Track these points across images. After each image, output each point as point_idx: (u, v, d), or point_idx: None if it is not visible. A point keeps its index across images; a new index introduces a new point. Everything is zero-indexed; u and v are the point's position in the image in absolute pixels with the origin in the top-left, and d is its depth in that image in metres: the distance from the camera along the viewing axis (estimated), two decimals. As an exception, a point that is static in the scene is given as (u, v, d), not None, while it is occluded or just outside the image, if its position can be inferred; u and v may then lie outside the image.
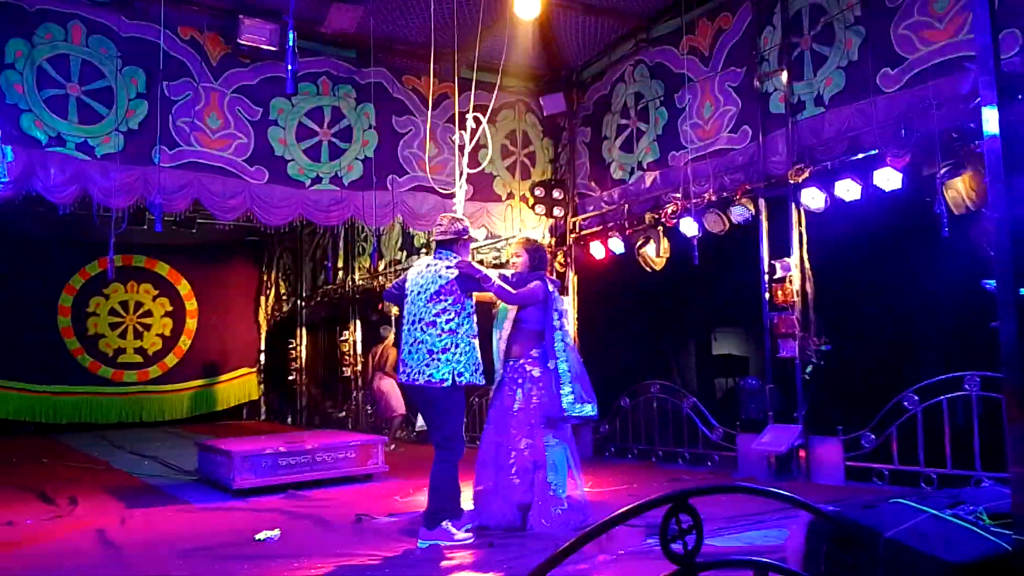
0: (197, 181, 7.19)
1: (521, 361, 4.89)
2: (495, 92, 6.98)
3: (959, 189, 5.49)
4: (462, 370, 4.62)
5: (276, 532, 4.91)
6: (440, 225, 4.90)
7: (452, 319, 4.65)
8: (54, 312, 13.94)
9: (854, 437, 6.17)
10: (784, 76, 6.85)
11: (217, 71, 7.38)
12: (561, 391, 4.75)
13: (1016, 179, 2.51)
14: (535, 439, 4.81)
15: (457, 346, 4.64)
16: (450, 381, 4.59)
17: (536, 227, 9.19)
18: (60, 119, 6.59)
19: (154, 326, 14.87)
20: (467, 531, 4.63)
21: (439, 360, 4.59)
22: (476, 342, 4.78)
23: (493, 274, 4.81)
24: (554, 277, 5.40)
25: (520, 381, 4.87)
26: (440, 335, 4.62)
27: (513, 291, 4.82)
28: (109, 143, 6.80)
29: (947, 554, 2.39)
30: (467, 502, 5.00)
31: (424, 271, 4.82)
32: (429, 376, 4.59)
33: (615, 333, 9.17)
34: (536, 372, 4.85)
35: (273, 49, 7.16)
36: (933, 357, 6.41)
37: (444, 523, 4.59)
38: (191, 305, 15.26)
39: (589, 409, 4.83)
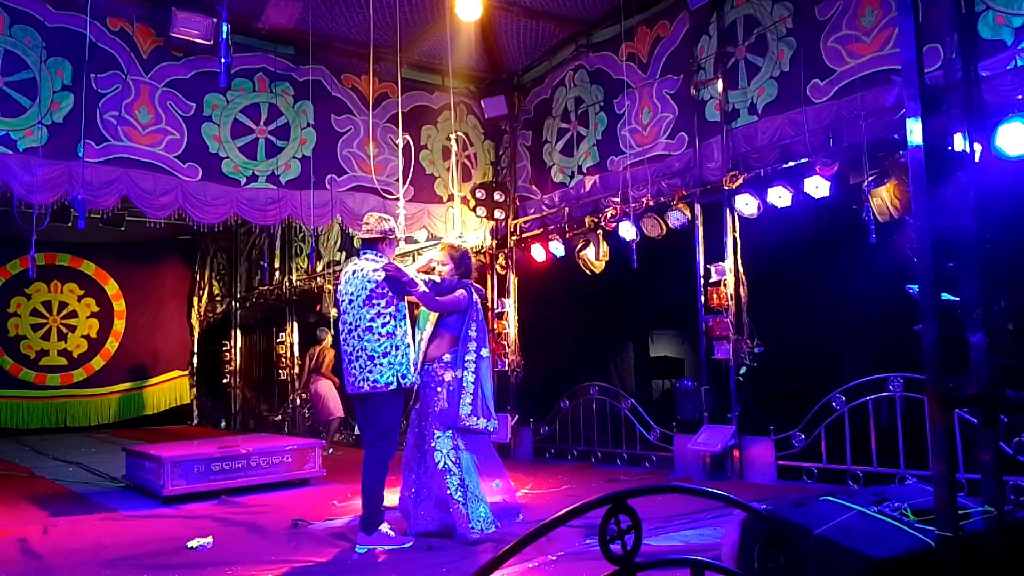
0: (126, 177, 6.95)
1: (434, 364, 4.88)
2: (436, 93, 6.95)
3: (884, 197, 5.70)
4: (405, 372, 4.63)
5: (209, 540, 4.78)
6: (366, 224, 4.89)
7: (388, 322, 4.64)
8: (-28, 313, 13.31)
9: (785, 437, 6.35)
10: (719, 85, 7.02)
11: (148, 64, 7.16)
12: (461, 400, 4.76)
13: (938, 188, 2.62)
14: (450, 440, 4.75)
15: (397, 348, 4.63)
16: (395, 384, 4.58)
17: (477, 229, 9.20)
18: (-21, 111, 6.31)
19: (79, 327, 14.31)
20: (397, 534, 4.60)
21: (382, 365, 4.57)
22: (412, 342, 4.79)
23: (419, 278, 4.80)
24: (479, 286, 5.35)
25: (432, 384, 4.85)
26: (379, 339, 4.60)
27: (437, 298, 4.81)
28: (32, 136, 6.53)
29: (873, 550, 2.48)
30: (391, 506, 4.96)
31: (351, 277, 4.77)
32: (374, 382, 4.57)
33: (555, 335, 9.24)
34: (448, 376, 4.82)
35: (207, 43, 6.97)
36: (860, 359, 6.65)
37: (382, 527, 4.55)
38: (119, 306, 14.73)
39: (486, 424, 4.81)
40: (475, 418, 4.75)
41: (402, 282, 4.64)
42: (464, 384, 4.78)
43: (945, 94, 2.92)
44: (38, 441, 12.06)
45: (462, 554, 4.28)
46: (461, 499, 4.63)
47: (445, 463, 4.69)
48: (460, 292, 4.88)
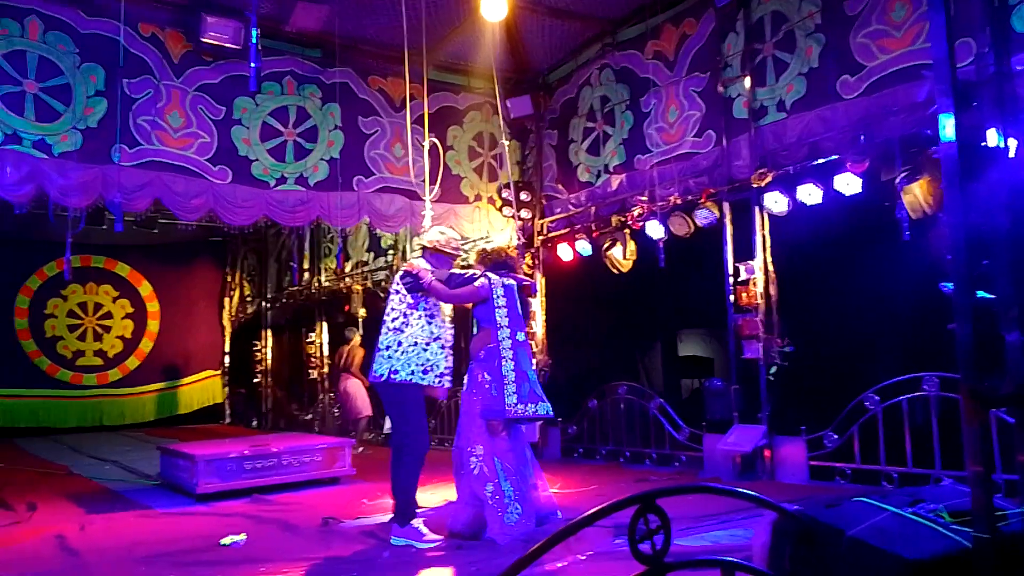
0: (158, 180, 7.07)
1: (472, 364, 4.83)
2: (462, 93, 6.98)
3: (916, 194, 5.61)
4: (398, 367, 4.66)
5: (242, 537, 4.85)
6: (427, 232, 5.11)
7: (398, 318, 4.75)
8: (10, 314, 13.57)
9: (817, 437, 6.27)
10: (747, 82, 6.95)
11: (179, 69, 7.27)
12: (504, 390, 4.56)
13: (971, 185, 2.57)
14: (483, 444, 4.66)
15: (400, 344, 4.70)
16: (385, 376, 4.66)
17: (504, 229, 9.21)
18: (16, 116, 6.44)
19: (114, 328, 14.57)
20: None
21: (382, 357, 4.71)
22: (429, 344, 4.74)
23: (432, 272, 4.82)
24: (520, 275, 5.18)
25: (470, 384, 4.81)
26: (387, 334, 4.75)
27: (448, 289, 4.79)
28: (67, 141, 6.66)
29: (908, 551, 2.44)
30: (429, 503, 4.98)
31: None
32: (374, 372, 4.73)
33: (583, 334, 9.23)
34: (482, 375, 4.70)
35: (236, 47, 7.06)
36: (893, 358, 6.54)
37: (415, 522, 4.59)
38: (153, 307, 14.98)
39: (537, 409, 4.60)
40: (522, 406, 4.54)
41: (413, 275, 4.73)
42: (504, 373, 4.57)
43: (978, 89, 2.87)
44: (75, 440, 12.29)
45: (491, 553, 4.29)
46: (495, 504, 4.55)
47: (480, 468, 4.64)
48: (479, 281, 4.79)
